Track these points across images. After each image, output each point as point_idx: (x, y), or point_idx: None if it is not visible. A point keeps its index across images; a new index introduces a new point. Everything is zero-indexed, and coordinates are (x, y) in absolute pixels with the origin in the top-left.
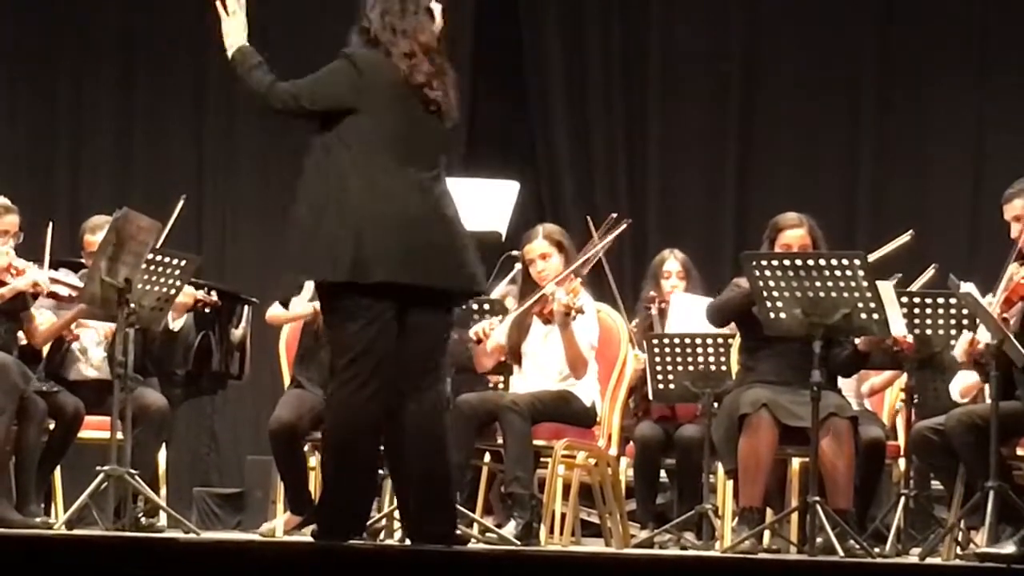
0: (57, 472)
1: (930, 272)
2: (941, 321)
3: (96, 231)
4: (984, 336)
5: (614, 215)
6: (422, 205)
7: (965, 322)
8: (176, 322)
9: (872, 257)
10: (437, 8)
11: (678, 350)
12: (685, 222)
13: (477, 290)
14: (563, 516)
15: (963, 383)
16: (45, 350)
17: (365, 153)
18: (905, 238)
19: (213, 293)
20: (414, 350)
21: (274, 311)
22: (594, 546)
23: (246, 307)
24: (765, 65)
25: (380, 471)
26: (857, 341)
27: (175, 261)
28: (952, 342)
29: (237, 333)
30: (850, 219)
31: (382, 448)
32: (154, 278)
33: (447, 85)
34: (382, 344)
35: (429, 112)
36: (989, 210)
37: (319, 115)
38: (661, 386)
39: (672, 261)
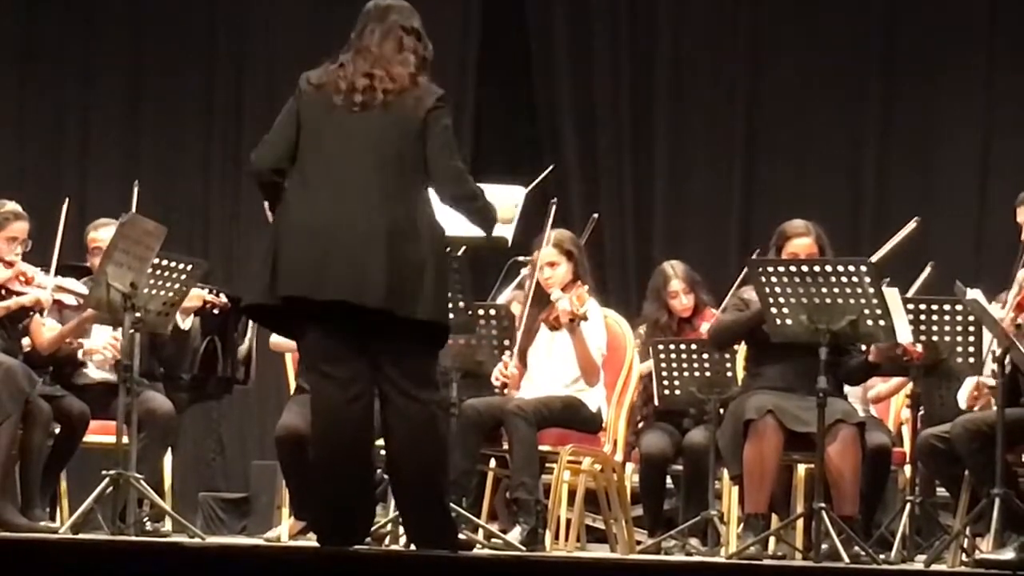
0: (63, 476)
1: (927, 270)
2: (947, 328)
3: (101, 228)
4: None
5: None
6: (332, 218)
7: (971, 328)
8: (186, 320)
9: (881, 252)
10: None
11: (684, 356)
12: (691, 227)
13: (396, 311)
14: (568, 522)
15: (970, 389)
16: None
17: (295, 175)
18: (912, 226)
19: (222, 295)
20: (390, 365)
21: (275, 338)
22: (599, 552)
23: (253, 319)
24: (771, 71)
25: (385, 476)
26: (865, 349)
27: (181, 266)
28: (958, 348)
29: (243, 338)
30: (856, 226)
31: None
32: (160, 282)
33: (385, 77)
34: (346, 352)
35: (355, 112)
36: (995, 214)
37: (292, 155)
38: (667, 392)
39: (675, 280)
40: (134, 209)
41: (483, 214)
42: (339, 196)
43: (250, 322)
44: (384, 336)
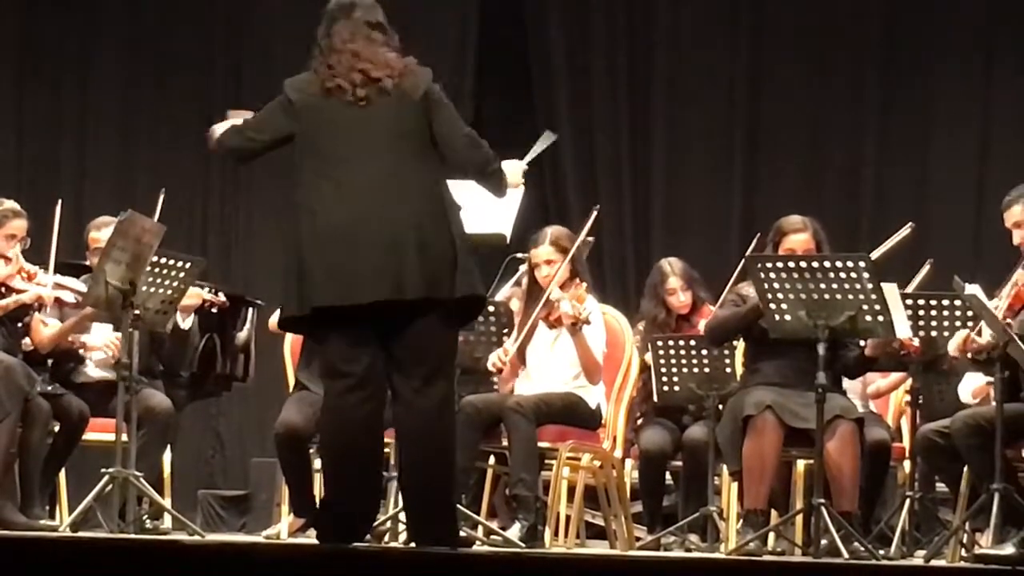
0: (62, 474)
1: (926, 268)
2: (946, 323)
3: (101, 228)
4: (983, 335)
5: (595, 209)
6: (358, 215)
7: (970, 324)
8: (186, 320)
9: (874, 254)
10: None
11: (683, 352)
12: (690, 223)
13: (430, 296)
14: (568, 518)
15: (974, 385)
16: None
17: (306, 180)
18: (906, 231)
19: (221, 294)
20: (408, 354)
21: (275, 319)
22: (599, 548)
23: (250, 309)
24: (770, 66)
25: (385, 473)
26: (864, 345)
27: (180, 263)
28: None
29: (242, 335)
30: (854, 222)
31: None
32: (159, 280)
33: (375, 66)
34: (365, 352)
35: (362, 106)
36: (993, 212)
37: (270, 146)
38: (666, 388)
39: (672, 278)
40: (157, 217)
41: (500, 179)
42: (362, 193)
43: (249, 319)
44: (408, 326)
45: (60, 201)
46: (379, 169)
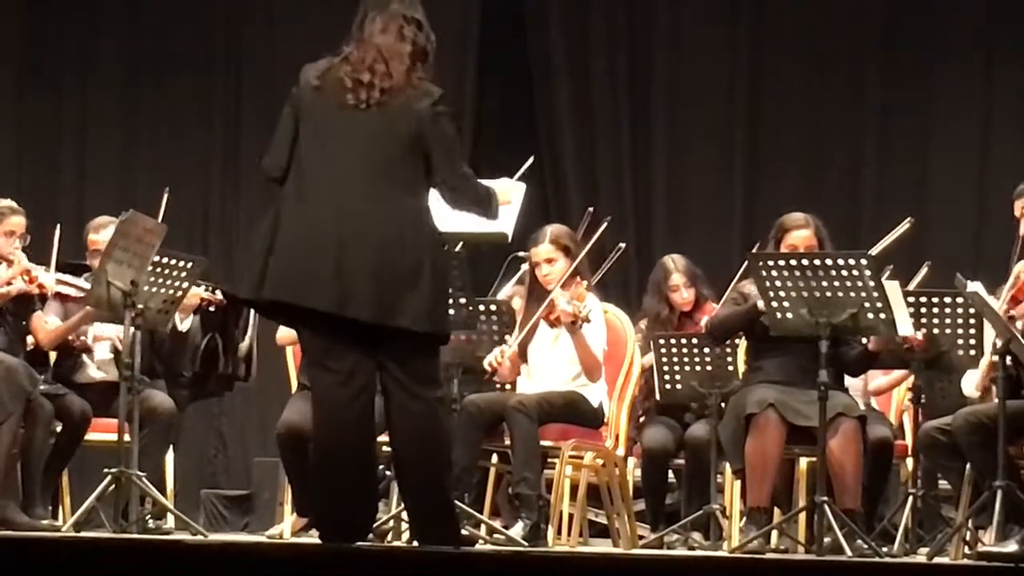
0: (65, 474)
1: (924, 270)
2: (948, 320)
3: (100, 230)
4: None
5: (591, 209)
6: (321, 220)
7: (972, 321)
8: (185, 322)
9: (874, 250)
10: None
11: (685, 351)
12: (691, 222)
13: (384, 322)
14: (571, 517)
15: (977, 376)
16: (52, 354)
17: (292, 172)
18: (905, 226)
19: (218, 292)
20: (393, 364)
21: (282, 332)
22: (602, 547)
23: (253, 309)
24: (770, 66)
25: (388, 472)
26: (865, 341)
27: (182, 263)
28: (959, 341)
29: (244, 335)
30: (855, 222)
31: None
32: (161, 280)
33: (389, 73)
34: (348, 348)
35: (361, 110)
36: (994, 208)
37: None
38: (668, 387)
39: (676, 274)
40: (161, 216)
41: (488, 213)
42: (332, 201)
43: (251, 319)
44: (381, 336)
45: (59, 226)
46: (354, 183)
